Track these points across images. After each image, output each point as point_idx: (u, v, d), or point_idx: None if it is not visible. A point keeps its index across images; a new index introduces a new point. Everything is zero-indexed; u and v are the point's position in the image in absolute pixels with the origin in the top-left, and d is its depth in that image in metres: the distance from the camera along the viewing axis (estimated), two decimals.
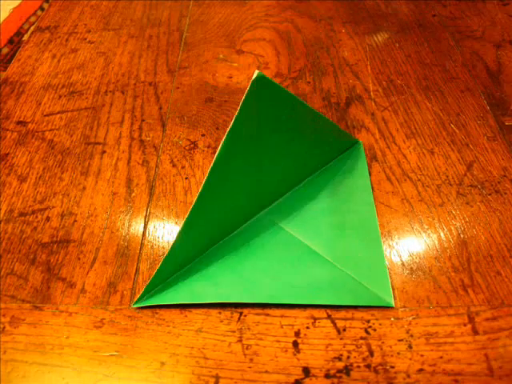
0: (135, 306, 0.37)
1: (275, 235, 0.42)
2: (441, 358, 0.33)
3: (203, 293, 0.37)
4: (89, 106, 0.55)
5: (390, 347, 0.34)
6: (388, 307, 0.36)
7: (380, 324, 0.35)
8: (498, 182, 0.45)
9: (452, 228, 0.42)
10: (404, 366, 0.33)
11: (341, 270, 0.39)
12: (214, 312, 0.37)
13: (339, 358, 0.34)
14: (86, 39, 0.66)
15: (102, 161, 0.49)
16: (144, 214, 0.44)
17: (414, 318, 0.36)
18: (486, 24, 0.66)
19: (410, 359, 0.33)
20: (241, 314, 0.36)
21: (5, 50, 0.67)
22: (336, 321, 0.36)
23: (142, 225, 0.43)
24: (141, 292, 0.37)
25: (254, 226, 0.42)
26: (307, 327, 0.35)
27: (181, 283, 0.38)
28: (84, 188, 0.46)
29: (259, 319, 0.36)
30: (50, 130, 0.53)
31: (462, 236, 0.41)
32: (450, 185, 0.45)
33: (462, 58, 0.60)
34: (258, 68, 0.60)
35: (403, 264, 0.39)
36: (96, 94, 0.57)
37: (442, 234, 0.41)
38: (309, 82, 0.58)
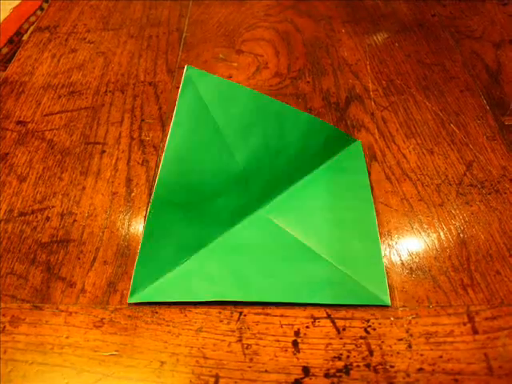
0: (131, 301, 0.37)
1: (271, 233, 0.42)
2: (440, 357, 0.33)
3: (200, 291, 0.37)
4: (88, 106, 0.55)
5: (390, 347, 0.34)
6: (384, 306, 0.36)
7: (380, 323, 0.35)
8: (498, 182, 0.45)
9: (451, 227, 0.42)
10: (404, 366, 0.33)
11: (337, 268, 0.39)
12: (213, 311, 0.37)
13: (339, 358, 0.34)
14: (85, 39, 0.66)
15: (101, 161, 0.49)
16: (144, 213, 0.44)
17: (413, 318, 0.36)
18: (485, 24, 0.66)
19: (410, 359, 0.33)
20: (240, 313, 0.37)
21: (4, 50, 0.67)
22: (336, 320, 0.36)
23: (142, 225, 0.43)
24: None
25: (250, 223, 0.42)
26: (307, 327, 0.35)
27: (178, 281, 0.38)
28: (84, 188, 0.46)
29: (259, 319, 0.36)
30: (50, 129, 0.53)
31: (461, 235, 0.41)
32: (450, 184, 0.45)
33: (462, 57, 0.60)
34: (258, 68, 0.60)
35: (403, 263, 0.39)
36: (96, 93, 0.57)
37: (441, 234, 0.41)
38: (308, 82, 0.58)
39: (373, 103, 0.54)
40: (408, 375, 0.33)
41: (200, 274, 0.39)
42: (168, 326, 0.36)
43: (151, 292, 0.38)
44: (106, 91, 0.57)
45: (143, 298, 0.37)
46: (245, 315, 0.36)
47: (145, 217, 0.44)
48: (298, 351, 0.34)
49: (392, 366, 0.33)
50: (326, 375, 0.33)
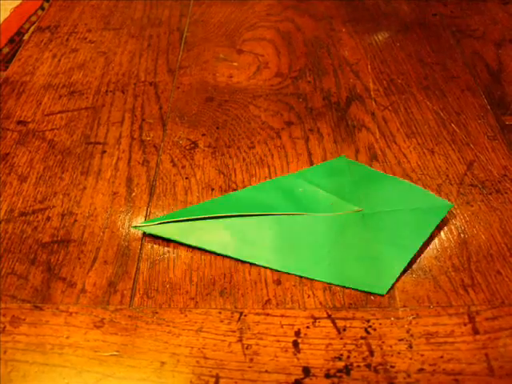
0: (134, 227, 0.41)
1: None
2: (441, 357, 0.33)
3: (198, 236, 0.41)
4: (89, 106, 0.55)
5: (390, 347, 0.34)
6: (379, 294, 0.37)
7: (380, 324, 0.35)
8: (499, 182, 0.45)
9: (452, 227, 0.42)
10: (404, 366, 0.33)
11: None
12: (214, 312, 0.37)
13: (339, 358, 0.34)
14: (86, 39, 0.66)
15: (102, 160, 0.49)
16: (144, 213, 0.44)
17: (414, 318, 0.36)
18: (486, 23, 0.66)
19: (411, 359, 0.33)
20: (241, 313, 0.36)
21: (5, 50, 0.67)
22: (336, 320, 0.36)
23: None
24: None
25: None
26: (307, 327, 0.35)
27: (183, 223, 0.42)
28: (84, 188, 0.46)
29: (259, 319, 0.36)
30: (51, 129, 0.53)
31: (462, 235, 0.41)
32: (451, 184, 0.45)
33: (463, 57, 0.60)
34: (259, 68, 0.60)
35: None
36: (96, 93, 0.57)
37: (442, 234, 0.41)
38: (309, 82, 0.58)
39: (373, 103, 0.54)
40: (408, 375, 0.33)
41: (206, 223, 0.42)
42: (168, 326, 0.36)
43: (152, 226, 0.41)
44: (106, 91, 0.57)
45: (146, 229, 0.40)
46: (245, 315, 0.36)
47: (145, 217, 0.44)
48: (299, 351, 0.34)
49: (392, 367, 0.33)
50: (327, 375, 0.33)
